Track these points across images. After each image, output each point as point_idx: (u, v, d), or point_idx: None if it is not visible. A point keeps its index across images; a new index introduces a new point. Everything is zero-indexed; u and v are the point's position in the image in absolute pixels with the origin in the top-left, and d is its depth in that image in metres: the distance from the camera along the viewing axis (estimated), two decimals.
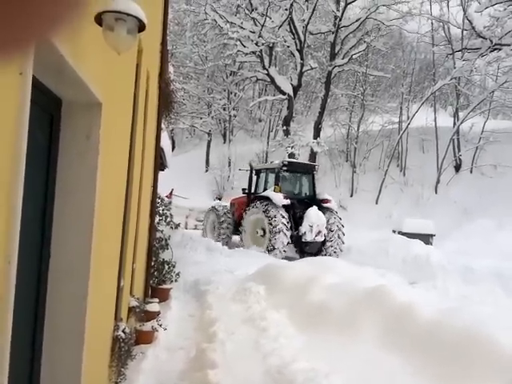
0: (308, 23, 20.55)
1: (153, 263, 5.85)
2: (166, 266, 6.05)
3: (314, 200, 11.18)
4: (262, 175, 12.28)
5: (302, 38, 20.77)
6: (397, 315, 4.44)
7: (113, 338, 3.33)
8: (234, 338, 4.42)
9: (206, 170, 23.89)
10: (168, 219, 6.87)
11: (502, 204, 14.91)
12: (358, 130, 21.86)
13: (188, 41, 24.38)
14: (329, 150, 20.53)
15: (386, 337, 4.28)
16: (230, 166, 22.65)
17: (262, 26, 19.79)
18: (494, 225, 13.26)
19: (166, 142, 8.34)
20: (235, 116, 26.81)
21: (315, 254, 10.09)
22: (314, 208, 10.44)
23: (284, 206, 10.33)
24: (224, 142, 25.91)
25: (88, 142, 2.26)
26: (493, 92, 19.47)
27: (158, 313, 4.87)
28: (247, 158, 23.60)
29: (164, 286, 5.90)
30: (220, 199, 21.42)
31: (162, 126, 6.93)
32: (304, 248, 10.50)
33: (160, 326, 4.38)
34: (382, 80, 24.79)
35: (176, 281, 6.20)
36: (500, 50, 18.81)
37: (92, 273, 2.30)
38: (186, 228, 13.75)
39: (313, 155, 20.95)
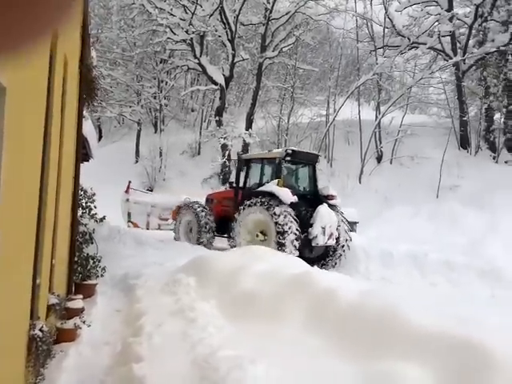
0: (239, 13, 20.53)
1: (76, 258, 5.60)
2: (91, 261, 5.83)
3: (316, 196, 9.62)
4: (256, 166, 10.08)
5: (234, 29, 20.72)
6: (320, 299, 4.66)
7: (29, 338, 3.16)
8: (162, 330, 4.39)
9: (136, 161, 23.14)
10: (92, 212, 6.59)
11: (419, 192, 16.23)
12: (288, 122, 22.38)
13: (115, 25, 23.28)
14: (260, 142, 20.82)
15: (310, 321, 4.49)
16: (161, 156, 22.12)
17: (193, 13, 19.45)
18: (412, 212, 14.34)
19: (89, 131, 7.93)
20: (166, 105, 26.18)
21: (318, 260, 8.97)
22: (325, 206, 8.90)
23: (291, 203, 8.64)
24: (155, 132, 25.22)
25: None
26: (410, 88, 20.87)
27: (82, 309, 4.69)
28: (179, 148, 23.25)
29: (89, 282, 5.69)
30: (151, 190, 20.89)
31: (85, 113, 6.60)
32: (309, 253, 8.83)
33: (83, 322, 4.22)
34: (311, 74, 25.51)
35: (102, 276, 5.99)
36: (417, 48, 20.19)
37: None
38: (148, 228, 12.09)
39: (245, 146, 21.12)
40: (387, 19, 20.95)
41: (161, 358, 3.89)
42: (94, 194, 6.69)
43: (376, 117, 20.91)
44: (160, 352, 3.97)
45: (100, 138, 26.20)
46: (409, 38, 20.03)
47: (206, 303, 5.15)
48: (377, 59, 20.44)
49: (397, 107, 21.02)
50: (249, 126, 21.23)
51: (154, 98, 24.53)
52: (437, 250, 8.99)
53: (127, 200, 12.36)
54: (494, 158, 19.19)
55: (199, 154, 23.36)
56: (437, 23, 19.72)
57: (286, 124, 22.45)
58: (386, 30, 21.61)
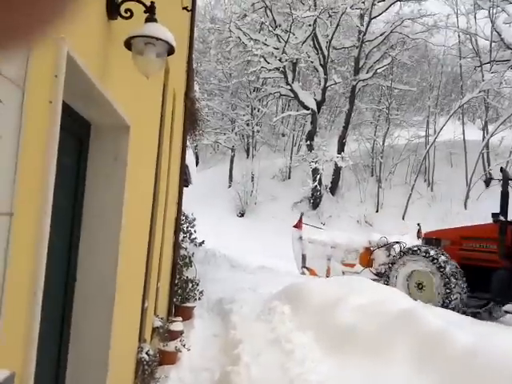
0: (332, 38, 20.57)
1: (176, 281, 5.83)
2: (190, 284, 6.01)
3: None
4: None
5: (326, 53, 20.78)
6: (430, 339, 4.24)
7: (136, 361, 3.29)
8: (259, 360, 4.31)
9: (229, 186, 23.97)
10: (192, 236, 6.85)
11: None
12: (383, 144, 21.56)
13: (212, 58, 24.77)
14: (353, 165, 20.30)
15: (418, 362, 4.08)
16: (252, 180, 22.65)
17: (286, 42, 19.93)
18: None
19: (190, 159, 8.41)
20: (258, 131, 26.91)
21: None
22: None
23: None
24: (247, 157, 26.00)
25: (115, 164, 2.26)
26: None
27: (182, 332, 4.82)
28: (270, 173, 23.61)
29: (187, 305, 5.86)
30: (243, 215, 21.36)
31: (187, 143, 6.99)
32: None
33: (184, 346, 4.32)
34: (408, 93, 24.47)
35: (199, 299, 6.15)
36: None
37: (117, 297, 2.27)
38: (328, 277, 8.70)
39: (337, 170, 20.75)
40: (494, 33, 19.41)
41: None
42: (194, 219, 6.98)
43: (483, 137, 19.23)
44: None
45: (197, 164, 27.74)
46: None
47: (302, 334, 4.99)
48: (483, 75, 18.95)
49: (507, 126, 19.14)
50: (341, 149, 20.87)
51: (247, 124, 25.40)
52: None
53: (300, 238, 9.31)
54: None
55: (289, 178, 23.48)
56: None
57: (380, 146, 21.66)
58: (493, 44, 20.02)
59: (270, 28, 20.93)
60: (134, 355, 3.26)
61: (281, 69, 20.86)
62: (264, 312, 5.92)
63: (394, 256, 7.71)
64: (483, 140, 18.80)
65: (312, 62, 21.79)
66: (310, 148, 20.56)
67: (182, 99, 5.68)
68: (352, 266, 9.15)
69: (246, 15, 21.99)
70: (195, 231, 6.91)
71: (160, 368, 4.01)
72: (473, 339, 4.07)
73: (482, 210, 16.60)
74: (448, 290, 6.43)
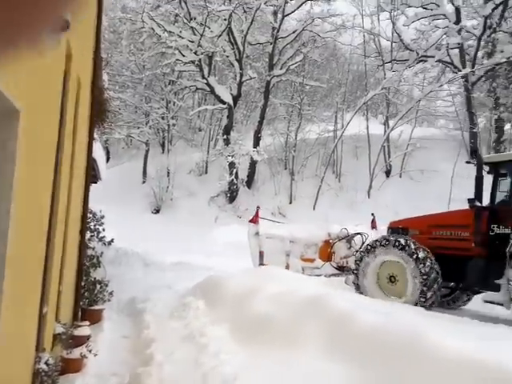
0: (247, 34, 20.71)
1: (83, 283, 5.45)
2: (98, 286, 5.66)
3: None
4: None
5: (241, 49, 20.90)
6: (339, 323, 4.43)
7: (33, 372, 3.00)
8: (173, 358, 4.19)
9: (144, 181, 23.14)
10: (100, 235, 6.46)
11: (430, 206, 15.94)
12: (295, 138, 22.32)
13: (124, 49, 23.62)
14: (268, 159, 20.74)
15: (329, 346, 4.25)
16: (168, 176, 22.09)
17: (201, 35, 19.66)
18: None
19: (99, 153, 7.90)
20: (174, 125, 26.30)
21: None
22: None
23: None
24: (162, 152, 25.30)
25: (4, 152, 2.00)
26: (419, 101, 20.76)
27: (89, 337, 4.51)
28: (186, 168, 23.24)
29: (95, 307, 5.52)
30: (158, 211, 20.75)
31: (95, 135, 6.55)
32: None
33: (90, 351, 4.04)
34: (318, 90, 25.54)
35: (109, 300, 5.82)
36: (426, 61, 20.17)
37: (5, 303, 2.02)
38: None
39: (253, 164, 21.04)
40: (395, 34, 21.01)
41: None
42: (102, 217, 6.58)
43: (384, 131, 20.78)
44: (171, 383, 3.78)
45: (108, 159, 26.38)
46: (417, 52, 20.02)
47: (217, 327, 4.95)
48: (385, 74, 20.43)
49: (405, 121, 20.90)
50: (256, 143, 21.20)
51: (162, 118, 24.69)
52: None
53: (257, 234, 8.51)
54: None
55: (206, 172, 23.33)
56: (445, 36, 19.73)
57: (293, 140, 22.39)
58: (394, 44, 21.67)
59: (185, 20, 20.51)
60: (29, 367, 2.96)
61: (196, 62, 20.55)
62: (178, 309, 5.78)
63: (361, 250, 7.05)
64: (384, 134, 20.33)
65: (227, 57, 21.79)
66: (227, 142, 20.59)
67: (89, 88, 5.29)
68: (311, 260, 8.69)
69: (159, 6, 21.28)
70: (104, 229, 6.52)
71: (63, 377, 3.71)
72: (376, 318, 4.33)
73: (383, 198, 18.05)
74: (425, 282, 6.03)
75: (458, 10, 19.57)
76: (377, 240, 6.78)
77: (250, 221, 8.71)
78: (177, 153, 23.85)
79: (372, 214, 9.78)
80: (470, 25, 20.43)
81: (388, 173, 20.18)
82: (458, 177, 17.26)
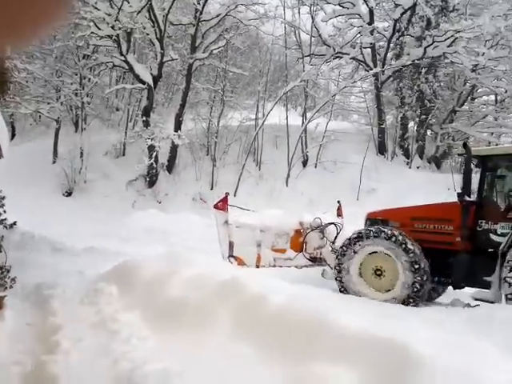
0: (168, 12, 20.06)
1: None
2: None
3: None
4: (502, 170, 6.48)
5: (162, 28, 20.19)
6: (249, 305, 4.63)
7: None
8: (81, 345, 4.09)
9: (54, 162, 21.60)
10: (0, 217, 5.99)
11: (341, 195, 17.09)
12: (218, 124, 22.28)
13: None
14: (190, 144, 20.49)
15: (239, 328, 4.42)
16: (82, 157, 20.84)
17: (119, 9, 18.63)
18: (334, 214, 14.97)
19: (0, 128, 7.26)
20: (89, 103, 24.78)
21: None
22: None
23: None
24: (76, 131, 23.74)
25: None
26: (335, 95, 21.85)
27: None
28: (102, 149, 22.15)
29: None
30: (70, 194, 19.58)
31: None
32: None
33: None
34: (241, 77, 25.66)
35: (11, 287, 5.45)
36: (341, 57, 21.21)
37: None
38: (258, 266, 7.79)
39: (174, 148, 20.67)
40: (314, 28, 21.74)
41: (79, 377, 3.61)
42: (3, 198, 6.09)
43: (302, 122, 21.59)
44: (78, 370, 3.69)
45: (13, 136, 24.15)
46: (334, 48, 20.97)
47: (129, 313, 4.89)
48: (304, 66, 21.13)
49: (322, 114, 21.89)
50: (178, 127, 20.80)
51: (76, 95, 23.10)
52: None
53: (226, 222, 7.75)
54: (407, 164, 20.74)
55: (124, 155, 22.40)
56: (359, 35, 20.87)
57: (215, 126, 22.35)
58: (313, 38, 22.43)
59: None
60: None
61: (114, 37, 19.46)
62: (89, 295, 5.60)
63: (343, 243, 6.55)
64: (302, 125, 21.14)
65: (148, 35, 20.94)
66: (147, 124, 19.94)
67: None
68: (283, 251, 8.22)
69: None
70: (4, 211, 6.05)
71: None
72: (285, 300, 4.59)
73: (299, 187, 18.92)
74: (418, 275, 5.81)
75: (371, 12, 20.81)
76: (360, 232, 6.36)
77: (217, 207, 7.85)
78: (91, 133, 22.56)
79: (338, 202, 9.29)
80: (381, 26, 21.88)
81: (305, 163, 21.08)
82: (366, 169, 18.63)
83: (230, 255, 7.63)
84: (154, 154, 19.04)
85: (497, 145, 17.75)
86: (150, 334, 4.40)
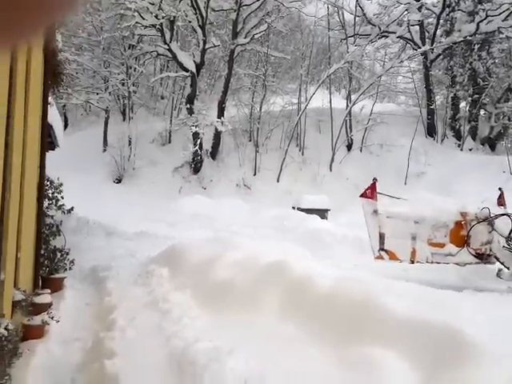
0: None
1: (43, 251, 5.38)
2: (59, 254, 5.61)
3: None
4: None
5: (204, 14, 20.27)
6: (296, 287, 4.66)
7: None
8: (135, 323, 4.28)
9: (104, 150, 22.47)
10: (59, 203, 6.33)
11: (388, 179, 16.65)
12: (260, 110, 22.23)
13: (80, 9, 22.33)
14: (233, 130, 20.61)
15: (286, 309, 4.47)
16: (130, 145, 21.53)
17: None
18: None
19: (55, 119, 7.61)
20: (135, 92, 25.47)
21: None
22: None
23: None
24: (124, 120, 24.51)
25: None
26: (380, 77, 21.13)
27: (50, 304, 4.51)
28: (149, 137, 22.75)
29: (56, 276, 5.48)
30: (120, 181, 20.31)
31: (50, 100, 6.30)
32: None
33: (52, 318, 4.06)
34: (283, 61, 25.36)
35: (70, 269, 5.79)
36: (387, 37, 20.42)
37: None
38: (413, 261, 7.05)
39: (217, 135, 20.88)
40: (358, 8, 21.03)
41: (134, 352, 3.78)
42: (61, 185, 6.43)
43: (347, 105, 21.08)
44: (134, 347, 3.87)
45: (66, 126, 25.31)
46: (379, 27, 20.22)
47: (180, 294, 5.06)
48: (348, 48, 20.54)
49: (367, 96, 21.26)
50: (221, 113, 20.95)
51: (123, 84, 23.79)
52: None
53: (375, 212, 7.00)
54: (459, 146, 19.78)
55: (170, 142, 22.91)
56: (406, 12, 19.96)
57: (258, 112, 22.31)
58: (357, 18, 21.72)
59: None
60: None
61: (157, 26, 19.79)
62: (142, 276, 5.84)
63: None
64: (346, 108, 20.65)
65: (190, 22, 21.10)
66: (191, 112, 20.23)
67: (41, 48, 5.06)
68: (441, 246, 7.24)
69: None
70: (62, 197, 6.38)
71: (25, 343, 3.73)
72: (333, 282, 4.57)
73: (344, 172, 18.59)
74: None
75: None
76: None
77: (364, 196, 7.16)
78: (138, 121, 23.22)
79: (499, 189, 8.14)
80: (430, 2, 20.78)
81: (349, 147, 20.64)
82: (415, 152, 17.96)
83: (381, 248, 6.90)
84: (199, 140, 19.33)
85: None
86: (200, 314, 4.53)
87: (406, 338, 3.55)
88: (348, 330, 3.94)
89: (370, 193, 7.10)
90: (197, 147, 19.25)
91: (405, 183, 17.26)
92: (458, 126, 20.31)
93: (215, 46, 21.65)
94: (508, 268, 6.08)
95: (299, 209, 13.07)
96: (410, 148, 17.71)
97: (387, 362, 3.41)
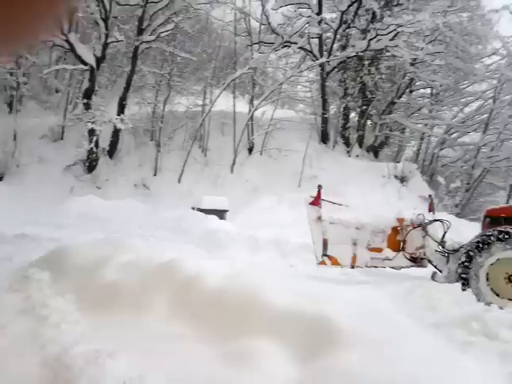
0: None
1: None
2: None
3: None
4: None
5: (108, 7, 19.35)
6: (185, 286, 4.65)
7: None
8: (7, 331, 3.92)
9: None
10: None
11: (284, 182, 17.54)
12: (163, 109, 21.81)
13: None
14: (133, 128, 19.92)
15: (174, 309, 4.44)
16: (15, 140, 19.59)
17: None
18: (277, 200, 15.28)
19: None
20: (25, 83, 23.31)
21: None
22: None
23: None
24: (10, 112, 22.29)
25: None
26: (281, 84, 22.07)
27: None
28: (39, 132, 21.00)
29: None
30: (1, 179, 18.43)
31: None
32: None
33: None
34: (189, 62, 25.20)
35: None
36: (289, 46, 21.45)
37: None
38: (354, 266, 7.12)
39: (116, 133, 20.01)
40: (264, 16, 21.76)
41: (4, 362, 3.47)
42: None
43: (249, 110, 21.66)
44: (4, 356, 3.55)
45: None
46: (282, 37, 21.14)
47: (61, 299, 4.74)
48: (252, 54, 21.14)
49: (268, 102, 22.08)
50: (121, 111, 20.12)
51: (11, 74, 21.64)
52: (297, 235, 9.68)
53: (319, 219, 7.11)
54: (347, 152, 21.61)
55: (62, 139, 21.34)
56: (307, 25, 21.17)
57: (161, 111, 21.85)
58: (263, 26, 22.49)
59: None
60: None
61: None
62: (18, 282, 5.35)
63: (468, 248, 5.79)
64: (249, 113, 21.23)
65: (92, 14, 19.97)
66: (88, 107, 19.12)
67: None
68: (379, 250, 7.44)
69: None
70: None
71: None
72: (221, 279, 4.65)
73: (244, 174, 19.14)
74: None
75: (320, 2, 21.16)
76: (489, 234, 5.60)
77: (311, 203, 7.17)
78: (27, 115, 21.28)
79: (429, 196, 8.58)
80: (329, 17, 22.32)
81: (250, 150, 21.25)
82: (309, 157, 19.17)
83: (324, 254, 6.96)
84: (95, 138, 18.33)
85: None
86: (82, 319, 4.30)
87: (285, 329, 3.76)
88: (235, 326, 4.04)
89: (315, 201, 7.17)
90: (92, 145, 18.24)
91: (299, 185, 18.32)
92: (347, 134, 22.12)
93: (118, 41, 20.80)
94: (441, 271, 6.49)
95: (199, 209, 13.11)
96: (304, 153, 18.83)
97: (267, 353, 3.58)
